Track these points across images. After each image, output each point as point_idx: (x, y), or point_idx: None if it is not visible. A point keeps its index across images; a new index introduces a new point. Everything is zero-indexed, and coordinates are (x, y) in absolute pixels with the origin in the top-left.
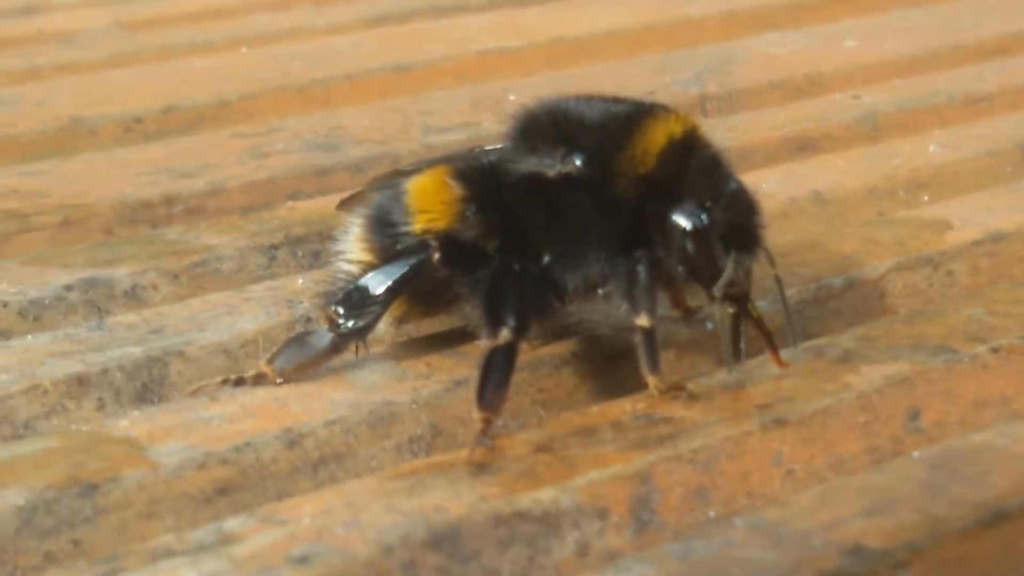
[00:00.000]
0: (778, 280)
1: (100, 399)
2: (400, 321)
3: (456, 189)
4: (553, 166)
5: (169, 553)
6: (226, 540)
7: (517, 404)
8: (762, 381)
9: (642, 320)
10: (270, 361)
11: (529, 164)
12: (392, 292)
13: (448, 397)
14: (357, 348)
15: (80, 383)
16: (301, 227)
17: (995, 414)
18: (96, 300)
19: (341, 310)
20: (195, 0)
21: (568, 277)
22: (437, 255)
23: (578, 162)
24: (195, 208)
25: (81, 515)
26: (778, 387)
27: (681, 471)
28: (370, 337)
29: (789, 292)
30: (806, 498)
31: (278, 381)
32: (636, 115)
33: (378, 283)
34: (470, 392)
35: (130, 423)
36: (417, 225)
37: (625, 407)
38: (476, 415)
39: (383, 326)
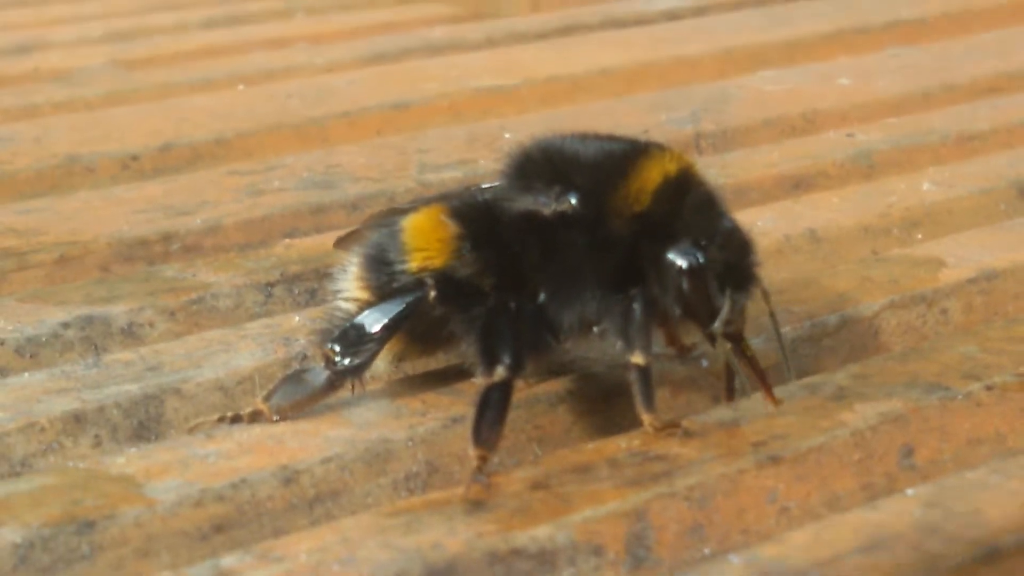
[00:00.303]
0: (772, 316)
1: (97, 436)
2: (399, 359)
3: (452, 227)
4: (548, 204)
5: None
6: None
7: (513, 441)
8: (757, 418)
9: (637, 358)
10: (266, 398)
11: (524, 202)
12: (388, 330)
13: (444, 434)
14: (353, 385)
15: (77, 420)
16: (297, 265)
17: (989, 451)
18: (93, 337)
19: (337, 348)
20: (192, 38)
21: (563, 315)
22: (433, 293)
23: (573, 200)
24: (192, 246)
25: (78, 552)
26: (773, 424)
27: (676, 508)
28: (366, 375)
29: (784, 330)
30: (801, 535)
31: (274, 418)
32: (631, 154)
33: (374, 321)
34: (466, 429)
35: (127, 460)
36: (413, 263)
37: (620, 444)
38: (472, 452)
39: (382, 364)
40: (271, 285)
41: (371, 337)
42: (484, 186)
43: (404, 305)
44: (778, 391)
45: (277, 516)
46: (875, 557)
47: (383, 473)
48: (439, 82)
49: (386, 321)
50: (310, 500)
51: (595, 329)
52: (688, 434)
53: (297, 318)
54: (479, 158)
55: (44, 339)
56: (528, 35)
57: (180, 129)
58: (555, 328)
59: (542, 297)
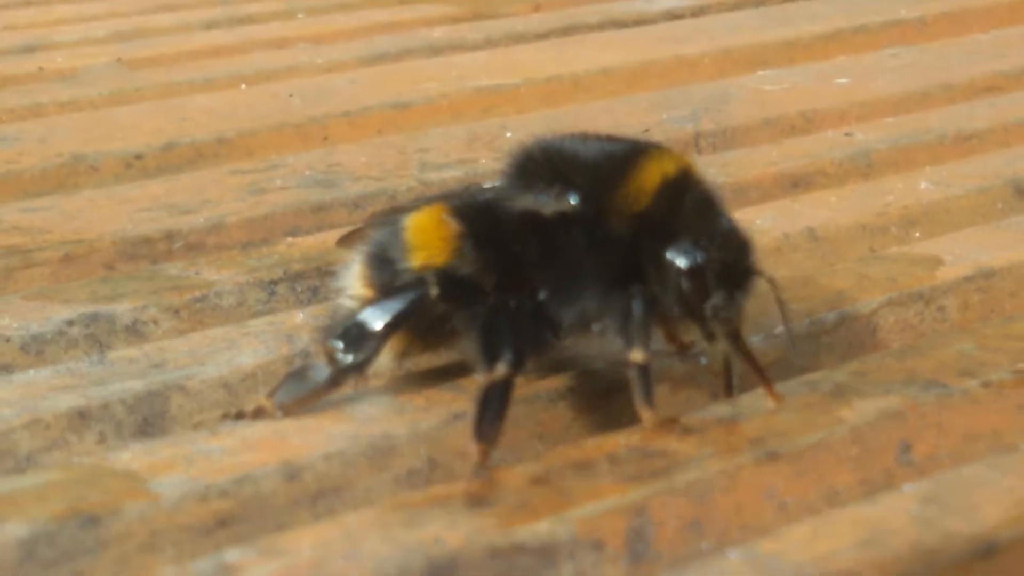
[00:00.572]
0: (780, 301)
1: (101, 432)
2: (401, 356)
3: (453, 226)
4: (549, 204)
5: None
6: (226, 572)
7: (514, 437)
8: (755, 415)
9: (636, 355)
10: (270, 395)
11: (525, 202)
12: (390, 327)
13: (446, 430)
14: (356, 382)
15: (81, 417)
16: (300, 263)
17: (986, 447)
18: (97, 335)
19: (340, 345)
20: (195, 38)
21: (564, 312)
22: (435, 290)
23: (573, 200)
24: (195, 244)
25: (83, 547)
26: (771, 421)
27: (675, 504)
28: (369, 371)
29: (781, 328)
30: (799, 531)
31: (278, 415)
32: (631, 153)
33: (376, 318)
34: (467, 425)
35: (131, 456)
36: (415, 261)
37: (620, 440)
38: (473, 448)
39: (386, 362)
40: (274, 283)
41: (373, 334)
42: (485, 185)
43: (406, 302)
44: (776, 389)
45: (280, 511)
46: (873, 552)
47: (385, 468)
48: (440, 82)
49: (388, 318)
50: (313, 495)
51: (595, 327)
52: (687, 430)
53: (300, 316)
54: (479, 157)
55: (49, 336)
56: (528, 35)
57: (183, 128)
58: (555, 325)
59: (542, 295)
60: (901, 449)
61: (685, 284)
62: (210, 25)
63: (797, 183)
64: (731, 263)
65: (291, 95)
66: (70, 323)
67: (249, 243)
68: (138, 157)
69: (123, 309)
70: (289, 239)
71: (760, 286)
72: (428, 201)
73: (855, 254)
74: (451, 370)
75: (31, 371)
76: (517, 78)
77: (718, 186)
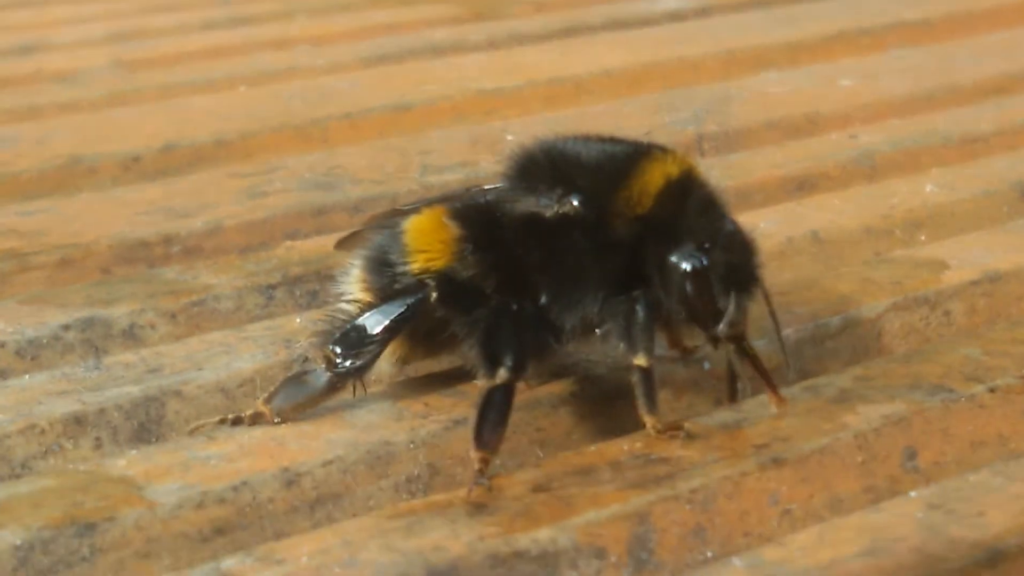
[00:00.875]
0: (773, 316)
1: (97, 438)
2: (401, 361)
3: (454, 229)
4: (550, 206)
5: None
6: None
7: (515, 444)
8: (759, 421)
9: (640, 360)
10: (268, 400)
11: (526, 204)
12: (390, 331)
13: (446, 436)
14: (355, 388)
15: (77, 422)
16: (299, 267)
17: (992, 454)
18: (94, 339)
19: (339, 349)
20: (194, 39)
21: (565, 317)
22: (435, 294)
23: (575, 202)
24: (193, 248)
25: (78, 555)
26: (775, 427)
27: (679, 511)
28: (368, 377)
29: (786, 332)
30: (804, 538)
31: (276, 420)
32: (633, 156)
33: (375, 323)
34: (468, 432)
35: (127, 462)
36: (415, 265)
37: (623, 447)
38: (474, 455)
39: (386, 366)
40: (272, 287)
41: (372, 339)
42: (486, 188)
43: (406, 307)
44: (781, 394)
45: (278, 518)
46: (877, 560)
47: (385, 475)
48: (441, 83)
49: (387, 323)
50: (311, 502)
51: (597, 331)
52: (690, 436)
53: (298, 320)
54: (481, 160)
55: (45, 341)
56: (530, 36)
57: (181, 130)
58: (557, 330)
59: (544, 299)
60: (906, 455)
61: (689, 287)
62: (209, 26)
63: (801, 186)
64: (735, 266)
65: (291, 97)
66: (66, 327)
67: (248, 247)
68: (136, 159)
69: (120, 313)
70: (288, 243)
71: (762, 289)
72: (428, 204)
73: (860, 257)
74: (451, 375)
75: (26, 376)
76: (519, 80)
77: (721, 188)
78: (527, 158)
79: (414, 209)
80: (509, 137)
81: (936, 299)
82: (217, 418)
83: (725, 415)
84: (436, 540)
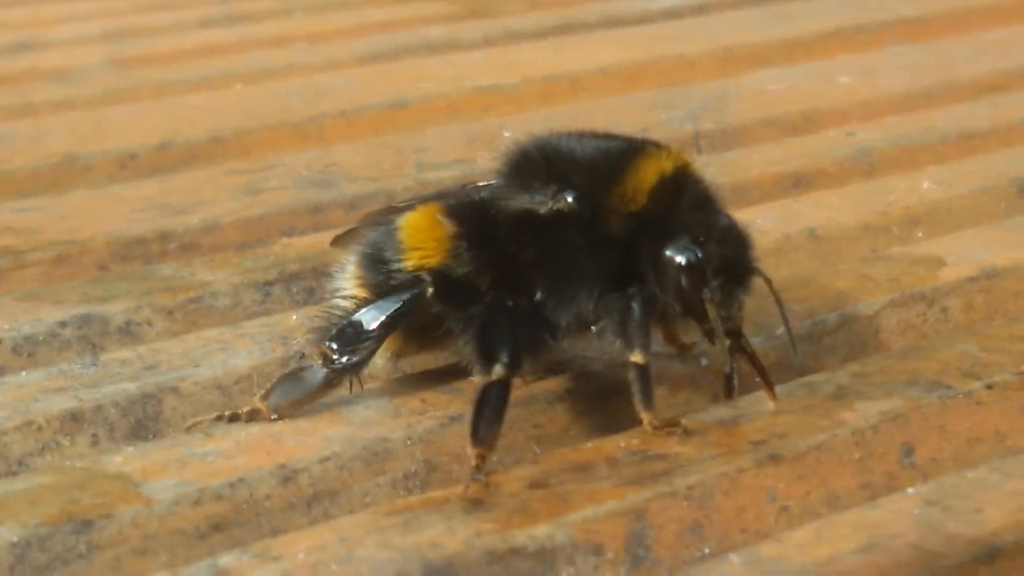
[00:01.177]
0: (778, 300)
1: (94, 435)
2: (397, 357)
3: (448, 226)
4: (545, 203)
5: None
6: None
7: (511, 440)
8: (756, 417)
9: (636, 356)
10: (264, 397)
11: (521, 201)
12: (386, 327)
13: (443, 433)
14: (351, 384)
15: (74, 419)
16: (295, 263)
17: (989, 450)
18: (90, 336)
19: (335, 346)
20: (190, 37)
21: (561, 313)
22: (431, 290)
23: (570, 199)
24: (189, 244)
25: (75, 552)
26: (773, 423)
27: (676, 507)
28: (364, 373)
29: (783, 329)
30: (801, 534)
31: (272, 417)
32: (628, 152)
33: (371, 319)
34: (465, 428)
35: (124, 459)
36: (410, 262)
37: (620, 443)
38: (470, 451)
39: (380, 361)
40: (269, 284)
41: (368, 335)
42: (481, 184)
43: (401, 303)
44: (778, 390)
45: (275, 515)
46: (875, 556)
47: (381, 472)
48: (437, 81)
49: (383, 319)
50: (308, 499)
51: (593, 328)
52: (687, 433)
53: (295, 317)
54: (477, 157)
55: (41, 338)
56: (526, 34)
57: (178, 128)
58: (552, 327)
59: (539, 295)
60: (903, 452)
61: (685, 282)
62: (205, 23)
63: (798, 183)
64: (731, 260)
65: (287, 94)
66: (63, 324)
67: (244, 244)
68: (132, 157)
69: (116, 310)
70: (285, 240)
71: (761, 286)
72: (423, 201)
73: (857, 254)
74: (447, 372)
75: (23, 373)
76: (515, 77)
77: (716, 184)
78: (522, 155)
79: (409, 206)
80: (506, 134)
81: (933, 296)
82: (214, 415)
83: (722, 411)
84: (433, 537)
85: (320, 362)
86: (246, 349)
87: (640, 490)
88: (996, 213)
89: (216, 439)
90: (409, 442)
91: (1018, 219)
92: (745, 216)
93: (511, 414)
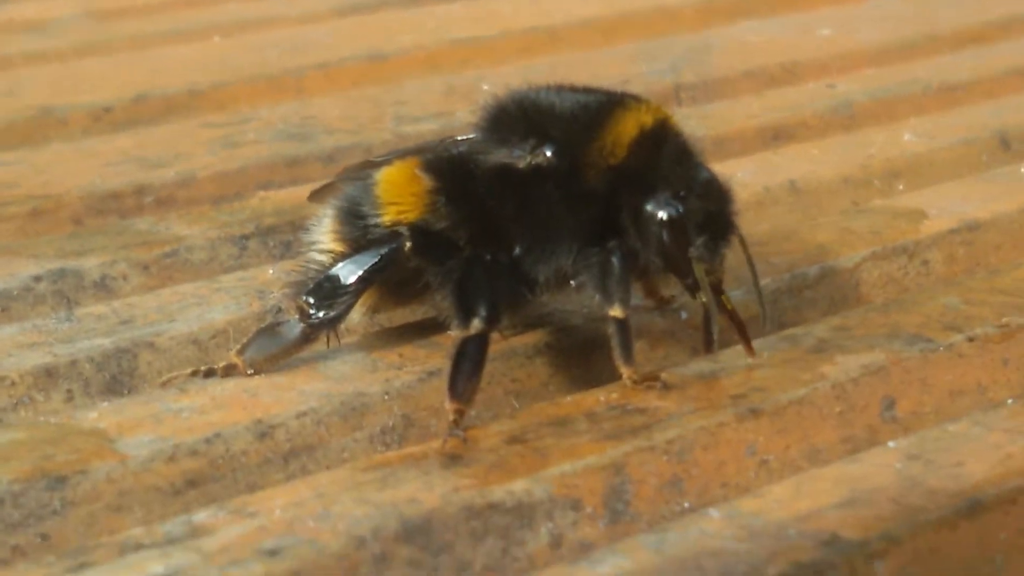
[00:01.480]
0: (750, 262)
1: (69, 391)
2: (374, 311)
3: (426, 181)
4: (523, 157)
5: (138, 546)
6: (196, 533)
7: (490, 395)
8: (737, 371)
9: (615, 311)
10: (240, 352)
11: (499, 155)
12: (363, 282)
13: (421, 388)
14: (328, 339)
15: (48, 375)
16: (272, 217)
17: (971, 403)
18: (65, 291)
19: (312, 300)
20: None
21: (539, 268)
22: (408, 245)
23: (548, 153)
24: (165, 198)
25: (49, 508)
26: (753, 377)
27: (655, 462)
28: (342, 327)
29: (764, 281)
30: (781, 488)
31: (249, 372)
32: (607, 105)
33: (349, 273)
34: (443, 383)
35: (99, 415)
36: (387, 217)
37: (599, 397)
38: (448, 406)
39: (357, 316)
40: (245, 238)
41: (346, 289)
42: (459, 139)
43: (379, 257)
44: (758, 343)
45: (251, 471)
46: (856, 510)
47: (359, 427)
48: (416, 33)
49: (361, 273)
50: (285, 454)
51: (572, 282)
52: (667, 387)
53: (271, 271)
54: (456, 110)
55: (16, 293)
56: None
57: (154, 80)
58: (531, 281)
59: (518, 250)
60: (885, 405)
61: (666, 236)
62: None
63: (778, 135)
64: (712, 214)
65: (265, 47)
66: (37, 279)
67: (221, 197)
68: (107, 110)
69: (91, 265)
70: (261, 193)
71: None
72: (400, 155)
73: (838, 207)
74: (425, 326)
75: None
76: (494, 29)
77: (697, 138)
78: (500, 109)
79: (386, 161)
80: (484, 87)
81: (915, 248)
82: (189, 370)
83: (702, 365)
84: (410, 492)
85: (297, 317)
86: (222, 303)
87: (619, 444)
88: (978, 165)
89: (192, 394)
90: (386, 397)
91: (999, 171)
92: (725, 169)
93: (489, 368)
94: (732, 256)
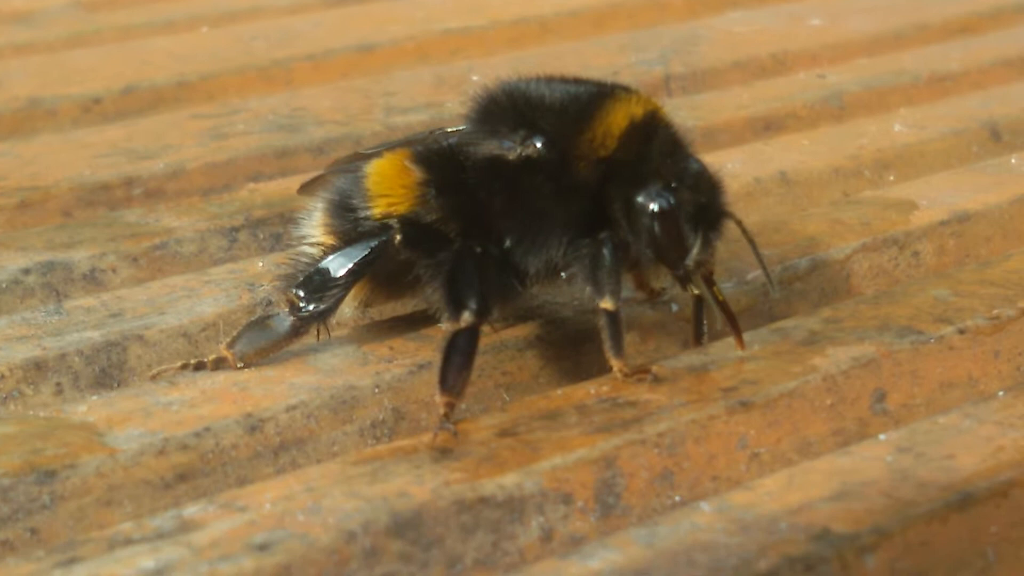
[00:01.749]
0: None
1: (58, 384)
2: (364, 304)
3: (416, 173)
4: (513, 149)
5: (128, 541)
6: (186, 527)
7: (480, 388)
8: (727, 364)
9: (606, 303)
10: (230, 345)
11: (489, 147)
12: (353, 275)
13: (411, 381)
14: (319, 332)
15: (38, 368)
16: (262, 209)
17: (961, 395)
18: (54, 283)
19: (302, 293)
20: None
21: (530, 260)
22: (399, 237)
23: (538, 145)
24: (155, 190)
25: (38, 502)
26: (743, 370)
27: (646, 455)
28: (332, 320)
29: (754, 274)
30: (772, 481)
31: (239, 365)
32: (597, 97)
33: (339, 266)
34: (433, 376)
35: (88, 408)
36: (377, 209)
37: (590, 390)
38: (439, 399)
39: (348, 310)
40: (235, 230)
41: (336, 282)
42: (449, 130)
43: (369, 250)
44: (749, 336)
45: (241, 465)
46: (847, 503)
47: (349, 421)
48: (406, 24)
49: (351, 266)
50: (275, 448)
51: (563, 274)
52: (657, 379)
53: (261, 263)
54: (446, 101)
55: (4, 285)
56: None
57: (142, 72)
58: (522, 273)
59: (508, 242)
60: (875, 398)
61: (657, 228)
62: None
63: (769, 126)
64: (703, 205)
65: (254, 38)
66: (26, 271)
67: (210, 189)
68: (96, 101)
69: (80, 257)
70: (251, 185)
71: (731, 231)
72: (390, 147)
73: (828, 198)
74: (415, 319)
75: None
76: (484, 20)
77: (687, 129)
78: (490, 100)
79: (376, 153)
80: (474, 77)
81: (905, 240)
82: (179, 363)
83: (693, 358)
84: (401, 486)
85: (287, 310)
86: (212, 296)
87: (610, 438)
88: (967, 156)
89: (181, 388)
90: (377, 390)
91: (990, 162)
92: (715, 160)
93: (480, 361)
94: (722, 248)
